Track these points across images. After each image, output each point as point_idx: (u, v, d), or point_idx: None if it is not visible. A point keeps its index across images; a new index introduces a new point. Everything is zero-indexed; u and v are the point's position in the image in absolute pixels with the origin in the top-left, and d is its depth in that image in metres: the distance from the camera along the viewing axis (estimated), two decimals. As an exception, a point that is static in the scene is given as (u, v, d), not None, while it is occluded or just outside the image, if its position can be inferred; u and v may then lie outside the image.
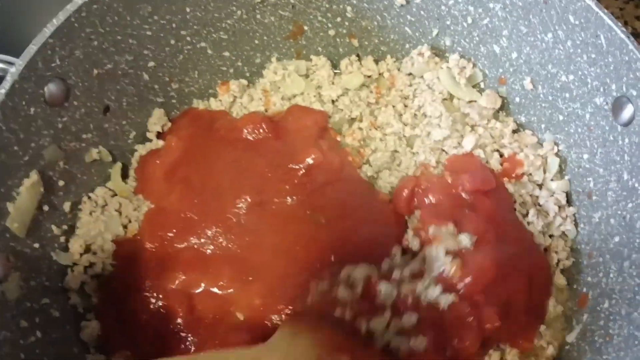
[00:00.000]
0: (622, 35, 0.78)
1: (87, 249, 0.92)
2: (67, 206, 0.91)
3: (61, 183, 0.89)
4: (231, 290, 0.87)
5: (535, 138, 0.98)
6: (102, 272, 0.91)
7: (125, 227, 0.95)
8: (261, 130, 0.98)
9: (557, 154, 0.96)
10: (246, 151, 0.97)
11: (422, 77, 1.06)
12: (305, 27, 1.07)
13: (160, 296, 0.88)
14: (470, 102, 1.04)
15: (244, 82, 1.08)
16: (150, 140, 1.02)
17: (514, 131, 1.01)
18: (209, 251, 0.90)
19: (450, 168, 0.96)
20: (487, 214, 0.90)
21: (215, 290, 0.88)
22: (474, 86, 1.04)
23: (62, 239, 0.90)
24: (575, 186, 0.94)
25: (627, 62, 0.78)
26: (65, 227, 0.91)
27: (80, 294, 0.90)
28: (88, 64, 0.88)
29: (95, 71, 0.90)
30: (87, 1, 0.84)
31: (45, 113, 0.84)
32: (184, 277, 0.89)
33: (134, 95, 0.98)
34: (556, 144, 0.96)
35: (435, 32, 1.03)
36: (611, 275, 0.82)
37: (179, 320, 0.87)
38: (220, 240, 0.90)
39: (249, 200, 0.92)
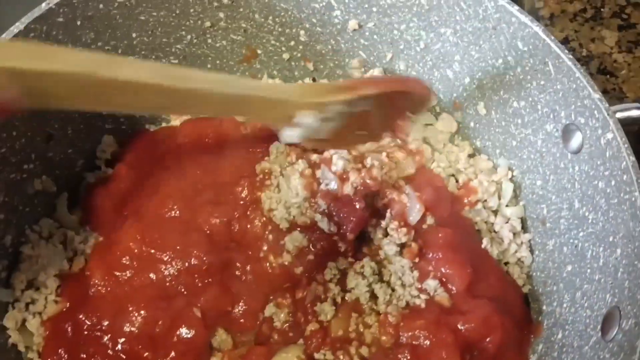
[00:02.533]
0: (570, 63, 0.77)
1: (30, 285, 0.88)
2: (7, 240, 0.87)
3: (1, 216, 0.85)
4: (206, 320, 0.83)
5: (490, 163, 0.97)
6: (45, 309, 0.87)
7: (70, 260, 0.91)
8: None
9: (511, 180, 0.95)
10: (193, 160, 0.95)
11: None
12: (259, 51, 1.05)
13: (122, 340, 0.82)
14: (426, 125, 1.03)
15: (197, 106, 1.06)
16: (100, 168, 0.99)
17: (470, 155, 1.00)
18: (173, 287, 0.85)
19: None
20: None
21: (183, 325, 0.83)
22: (429, 110, 1.03)
23: (3, 274, 0.87)
24: (530, 212, 0.93)
25: (574, 90, 0.78)
26: (5, 262, 0.87)
27: (22, 332, 0.86)
28: (27, 93, 0.85)
29: (36, 100, 0.87)
30: (23, 30, 0.81)
31: (-19, 146, 0.81)
32: (146, 315, 0.83)
33: (80, 123, 0.95)
34: (511, 169, 0.95)
35: (389, 56, 1.02)
36: (564, 305, 0.81)
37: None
38: (185, 274, 0.85)
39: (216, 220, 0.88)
